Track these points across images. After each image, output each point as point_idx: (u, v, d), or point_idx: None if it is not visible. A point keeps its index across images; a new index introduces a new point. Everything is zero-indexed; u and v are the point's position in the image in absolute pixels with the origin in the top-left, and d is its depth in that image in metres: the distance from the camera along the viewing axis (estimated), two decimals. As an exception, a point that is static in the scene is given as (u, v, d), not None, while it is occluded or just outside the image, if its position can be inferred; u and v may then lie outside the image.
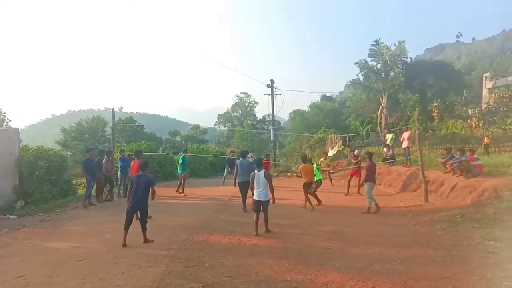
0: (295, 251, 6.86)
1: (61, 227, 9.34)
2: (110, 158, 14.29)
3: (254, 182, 8.39)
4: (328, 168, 18.62)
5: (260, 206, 8.28)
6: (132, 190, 7.48)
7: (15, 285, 5.37)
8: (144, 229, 7.40)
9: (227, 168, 19.80)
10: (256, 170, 8.48)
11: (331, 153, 24.91)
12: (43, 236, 8.49)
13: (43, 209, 11.42)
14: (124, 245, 7.10)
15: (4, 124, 37.24)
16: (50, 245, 7.59)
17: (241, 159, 11.38)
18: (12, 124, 38.24)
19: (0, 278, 5.63)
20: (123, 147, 22.24)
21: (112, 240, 7.77)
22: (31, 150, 13.73)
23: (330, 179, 18.02)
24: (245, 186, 10.70)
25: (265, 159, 17.06)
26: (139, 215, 7.45)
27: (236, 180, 11.19)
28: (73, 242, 7.67)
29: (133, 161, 11.92)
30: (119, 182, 14.51)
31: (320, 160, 18.25)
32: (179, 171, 15.98)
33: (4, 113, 40.13)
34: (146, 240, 7.35)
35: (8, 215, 10.64)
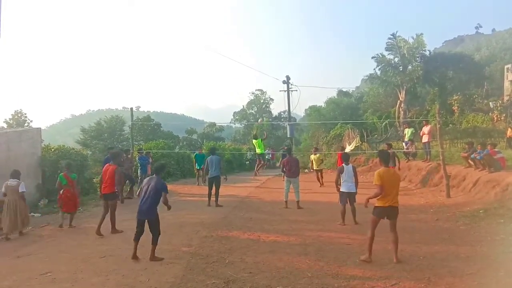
0: (315, 248, 6.85)
1: (84, 225, 9.54)
2: (129, 156, 14.51)
3: (343, 175, 8.95)
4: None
5: (347, 198, 8.86)
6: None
7: (41, 281, 5.50)
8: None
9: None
10: (344, 164, 9.14)
11: (348, 149, 24.68)
12: (67, 234, 8.69)
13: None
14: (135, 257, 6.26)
15: (26, 124, 38.08)
16: (74, 242, 7.77)
17: (211, 155, 11.91)
18: (34, 125, 39.12)
19: (26, 275, 5.78)
20: (141, 146, 22.52)
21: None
22: (52, 149, 14.01)
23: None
24: (213, 182, 11.49)
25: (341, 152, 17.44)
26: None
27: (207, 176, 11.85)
28: (95, 239, 7.83)
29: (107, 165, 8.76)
30: (139, 180, 14.72)
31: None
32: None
33: (25, 114, 41.03)
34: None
35: (32, 213, 10.89)
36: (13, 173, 8.71)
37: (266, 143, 41.65)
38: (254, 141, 19.98)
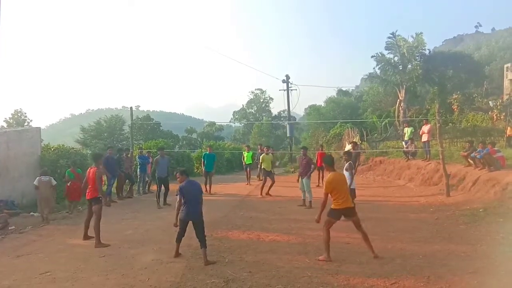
0: (314, 247, 6.85)
1: (83, 224, 9.51)
2: (129, 155, 14.50)
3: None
4: None
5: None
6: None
7: (41, 280, 5.51)
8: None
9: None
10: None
11: (348, 148, 24.64)
12: (66, 233, 8.69)
13: (65, 206, 11.65)
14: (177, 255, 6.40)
15: (26, 124, 38.06)
16: (74, 242, 7.78)
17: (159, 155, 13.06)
18: (33, 124, 39.12)
19: (26, 274, 5.78)
20: (141, 145, 22.51)
21: (134, 236, 7.91)
22: (52, 149, 13.98)
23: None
24: (164, 181, 12.35)
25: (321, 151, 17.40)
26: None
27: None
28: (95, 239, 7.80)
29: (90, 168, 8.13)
30: (138, 180, 14.71)
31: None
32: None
33: (25, 113, 41.04)
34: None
35: (32, 213, 10.90)
36: (43, 171, 10.55)
37: (266, 142, 41.52)
38: (246, 153, 18.31)
